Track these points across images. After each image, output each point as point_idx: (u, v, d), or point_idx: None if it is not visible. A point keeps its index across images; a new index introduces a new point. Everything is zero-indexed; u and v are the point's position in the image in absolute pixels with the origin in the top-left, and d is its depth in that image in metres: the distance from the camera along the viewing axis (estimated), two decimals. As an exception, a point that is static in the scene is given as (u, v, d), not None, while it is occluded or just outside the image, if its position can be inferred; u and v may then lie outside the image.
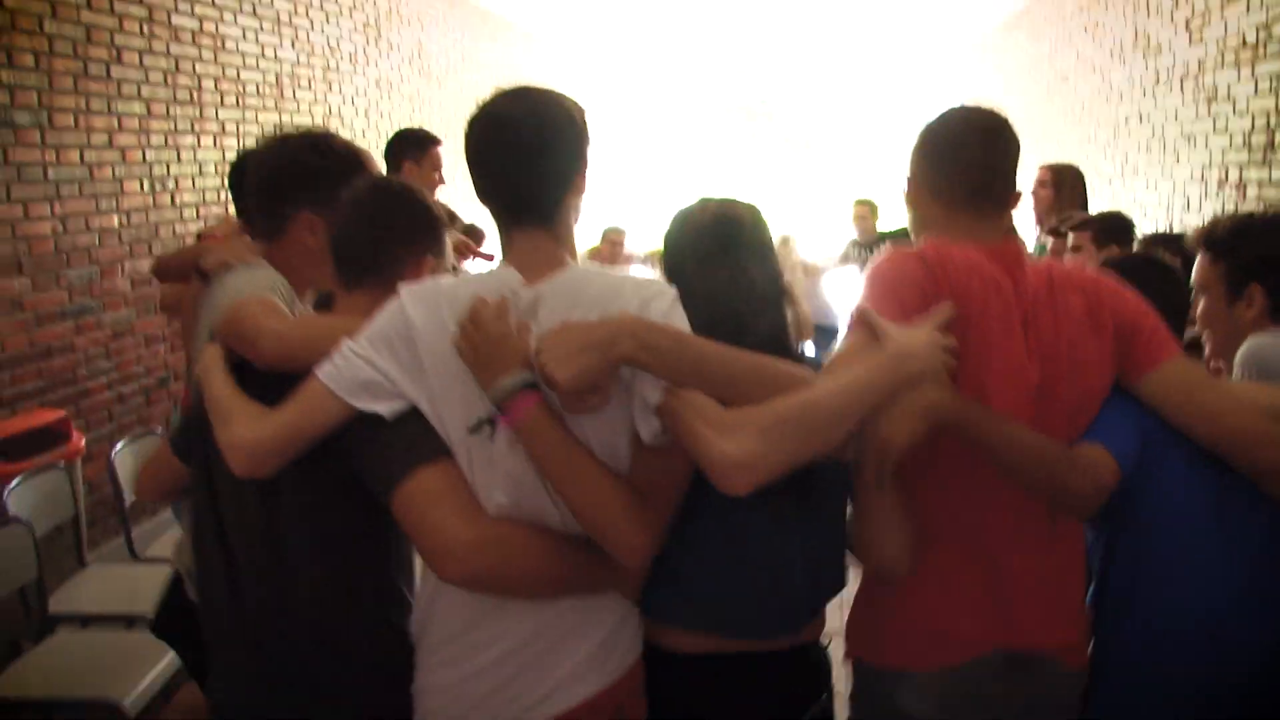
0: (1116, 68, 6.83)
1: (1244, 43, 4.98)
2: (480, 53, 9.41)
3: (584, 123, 1.48)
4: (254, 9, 5.63)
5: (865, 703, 1.70)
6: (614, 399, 1.37)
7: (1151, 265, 2.02)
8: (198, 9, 5.10)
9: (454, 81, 8.65)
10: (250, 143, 5.50)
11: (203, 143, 5.15)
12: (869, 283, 1.55)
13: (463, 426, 1.40)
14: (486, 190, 1.46)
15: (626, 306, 1.38)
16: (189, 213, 5.06)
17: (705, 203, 1.68)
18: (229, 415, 1.48)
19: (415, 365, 1.40)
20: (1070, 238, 3.43)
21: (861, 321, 1.46)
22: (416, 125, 7.48)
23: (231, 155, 5.33)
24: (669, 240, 1.68)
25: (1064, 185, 4.27)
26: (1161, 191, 6.01)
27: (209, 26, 5.21)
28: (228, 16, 5.37)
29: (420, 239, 1.65)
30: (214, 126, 5.26)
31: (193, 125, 5.07)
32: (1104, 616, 1.72)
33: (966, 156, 1.63)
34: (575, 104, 1.48)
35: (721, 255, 1.59)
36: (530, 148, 1.41)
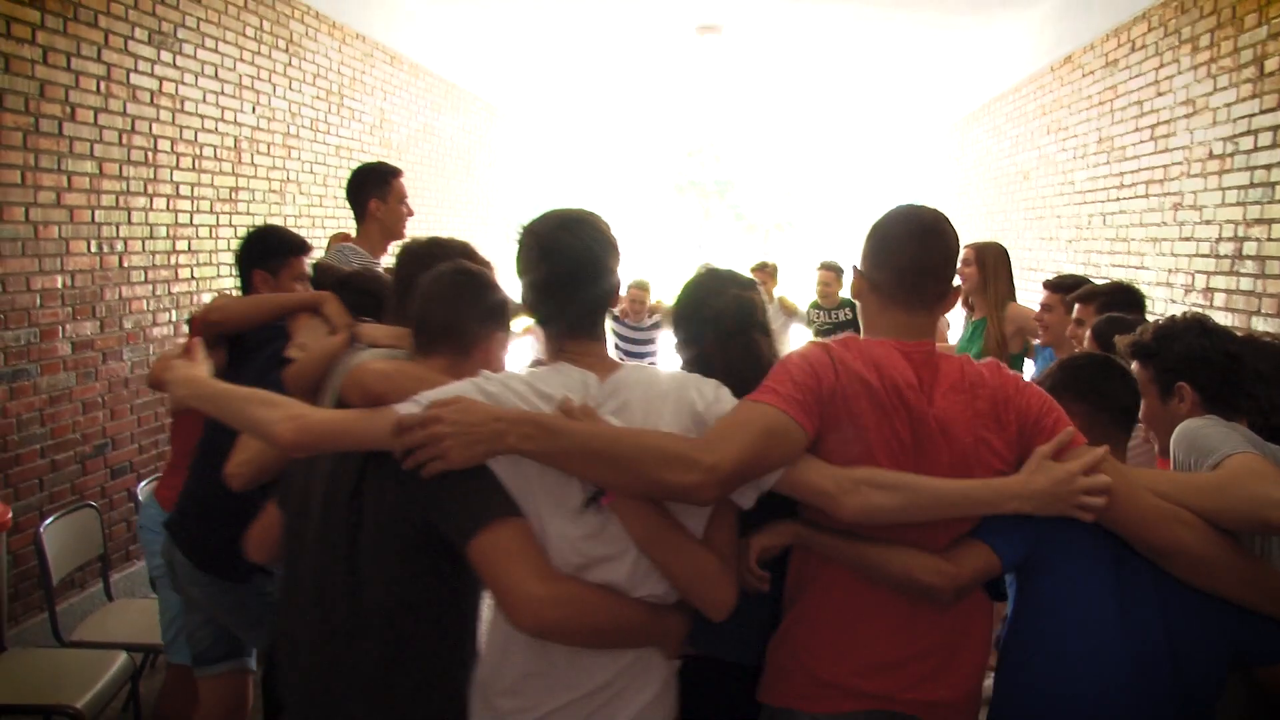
0: (1079, 168, 7.00)
1: (1210, 154, 5.14)
2: (442, 124, 9.44)
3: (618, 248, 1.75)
4: (215, 72, 5.57)
5: None
6: None
7: (1104, 366, 2.13)
8: (158, 69, 5.03)
9: (415, 151, 8.65)
10: (205, 206, 5.45)
11: (155, 205, 5.04)
12: (780, 363, 1.77)
13: (551, 498, 1.61)
14: (546, 311, 1.73)
15: (695, 399, 1.68)
16: (137, 275, 4.92)
17: (725, 284, 2.07)
18: (280, 401, 1.74)
19: None
20: (1075, 309, 3.45)
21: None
22: None
23: (185, 219, 5.29)
24: (688, 312, 2.06)
25: (986, 263, 4.33)
26: None
27: (169, 88, 5.13)
28: (188, 78, 5.30)
29: (496, 319, 1.92)
30: (168, 189, 5.15)
31: (146, 187, 4.95)
32: (1004, 676, 1.88)
33: (901, 257, 1.79)
34: (611, 230, 1.75)
35: (740, 334, 1.99)
36: (587, 277, 1.69)
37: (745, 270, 2.62)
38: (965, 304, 4.46)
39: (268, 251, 2.90)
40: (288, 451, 1.72)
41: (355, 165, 7.19)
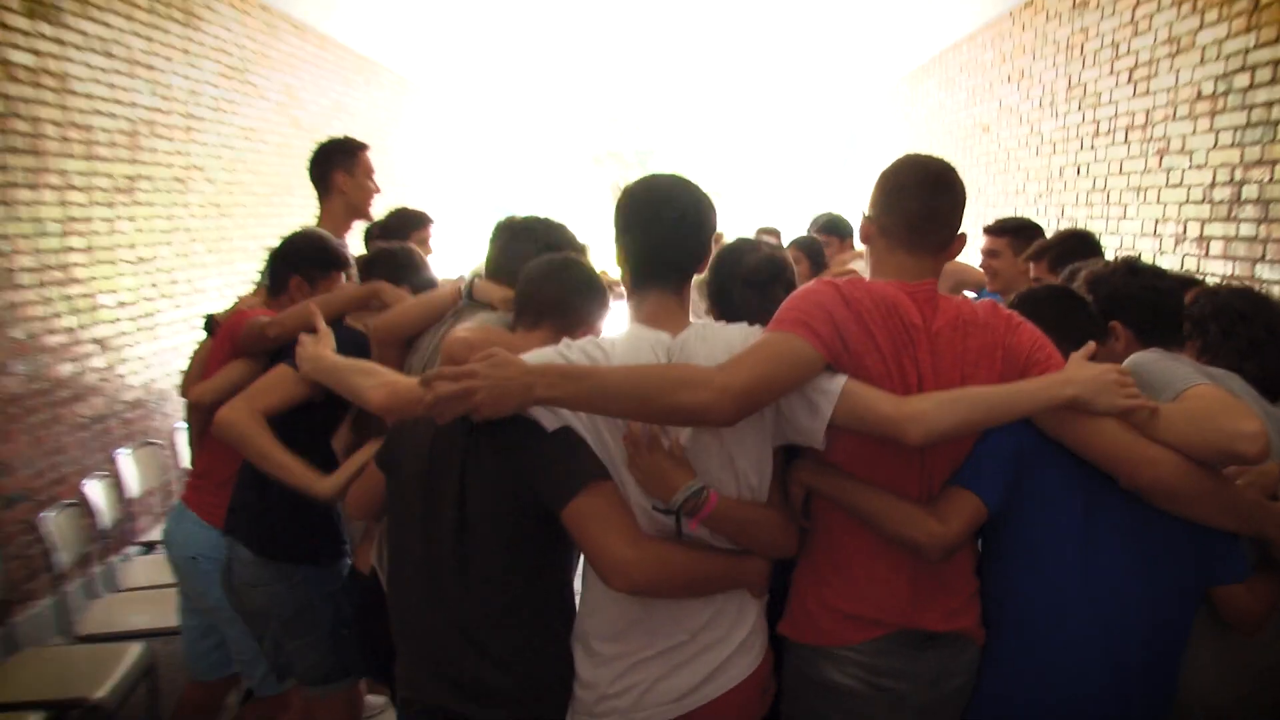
0: (1046, 118, 6.89)
1: (1200, 94, 5.00)
2: (354, 100, 9.15)
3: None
4: (104, 46, 5.08)
5: (792, 673, 2.01)
6: (760, 432, 1.84)
7: (1064, 297, 2.23)
8: (37, 43, 4.53)
9: (327, 130, 8.02)
10: (100, 198, 5.02)
11: (44, 197, 4.57)
12: (790, 298, 1.87)
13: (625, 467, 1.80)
14: (642, 253, 1.89)
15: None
16: (25, 278, 4.44)
17: (755, 242, 2.36)
18: (376, 370, 2.14)
19: None
20: (1030, 269, 3.40)
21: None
22: (285, 177, 7.14)
23: (79, 212, 4.83)
24: (724, 269, 2.30)
25: None
26: (1107, 245, 5.98)
27: (50, 64, 4.63)
28: (73, 53, 4.81)
29: (600, 301, 2.18)
30: (57, 179, 4.67)
31: (31, 178, 4.48)
32: (985, 616, 1.99)
33: (910, 203, 1.90)
34: (705, 194, 1.92)
35: (770, 285, 2.23)
36: (690, 224, 1.87)
37: None
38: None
39: (317, 262, 2.96)
40: (379, 414, 2.04)
41: (264, 148, 7.00)
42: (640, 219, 1.89)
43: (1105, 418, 1.78)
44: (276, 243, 3.05)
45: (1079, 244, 3.37)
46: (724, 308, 2.22)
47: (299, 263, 2.96)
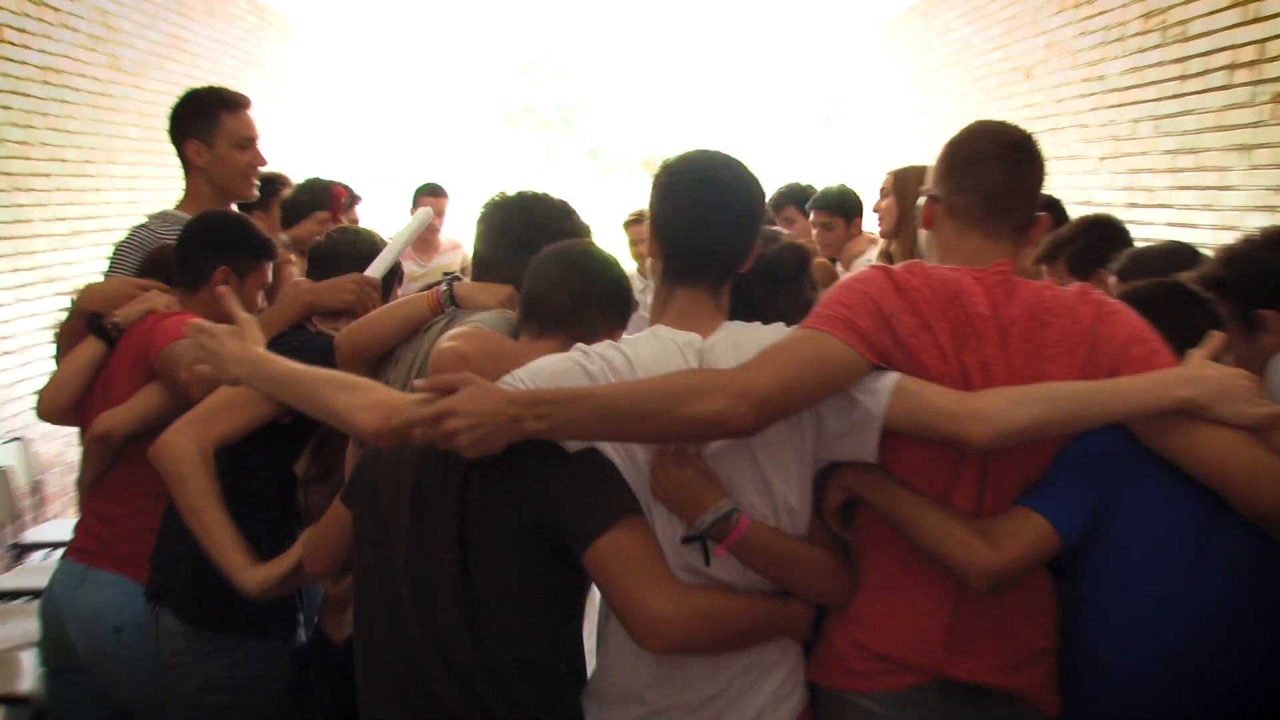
0: (1113, 56, 6.56)
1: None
2: (195, 36, 8.75)
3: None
4: None
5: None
6: (800, 448, 1.92)
7: (1176, 295, 2.17)
8: None
9: (157, 73, 7.95)
10: None
11: None
12: (835, 287, 1.98)
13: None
14: (676, 242, 2.00)
15: None
16: None
17: (775, 234, 2.56)
18: (361, 384, 2.04)
19: None
20: (1044, 273, 3.20)
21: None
22: (104, 139, 7.08)
23: None
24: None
25: (909, 194, 4.14)
26: (1200, 223, 5.63)
27: None
28: None
29: (621, 312, 2.24)
30: None
31: None
32: (1069, 666, 2.00)
33: (986, 176, 1.98)
34: (753, 179, 2.04)
35: (792, 282, 2.44)
36: (735, 212, 1.99)
37: (618, 225, 3.44)
38: (886, 253, 4.40)
39: (248, 247, 2.99)
40: (370, 441, 1.99)
41: (74, 97, 6.71)
42: (675, 202, 1.97)
43: (1224, 428, 1.79)
44: (138, 220, 3.06)
45: (1107, 235, 3.27)
46: (740, 308, 2.14)
47: (225, 249, 2.95)
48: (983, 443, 1.77)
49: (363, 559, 2.02)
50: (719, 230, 1.95)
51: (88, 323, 2.96)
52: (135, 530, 2.83)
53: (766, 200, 1.95)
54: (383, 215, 9.74)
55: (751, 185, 1.99)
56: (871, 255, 4.56)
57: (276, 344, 2.48)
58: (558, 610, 1.92)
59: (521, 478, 1.82)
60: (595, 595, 1.90)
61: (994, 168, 1.95)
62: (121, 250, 3.38)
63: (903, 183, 4.20)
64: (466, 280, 2.58)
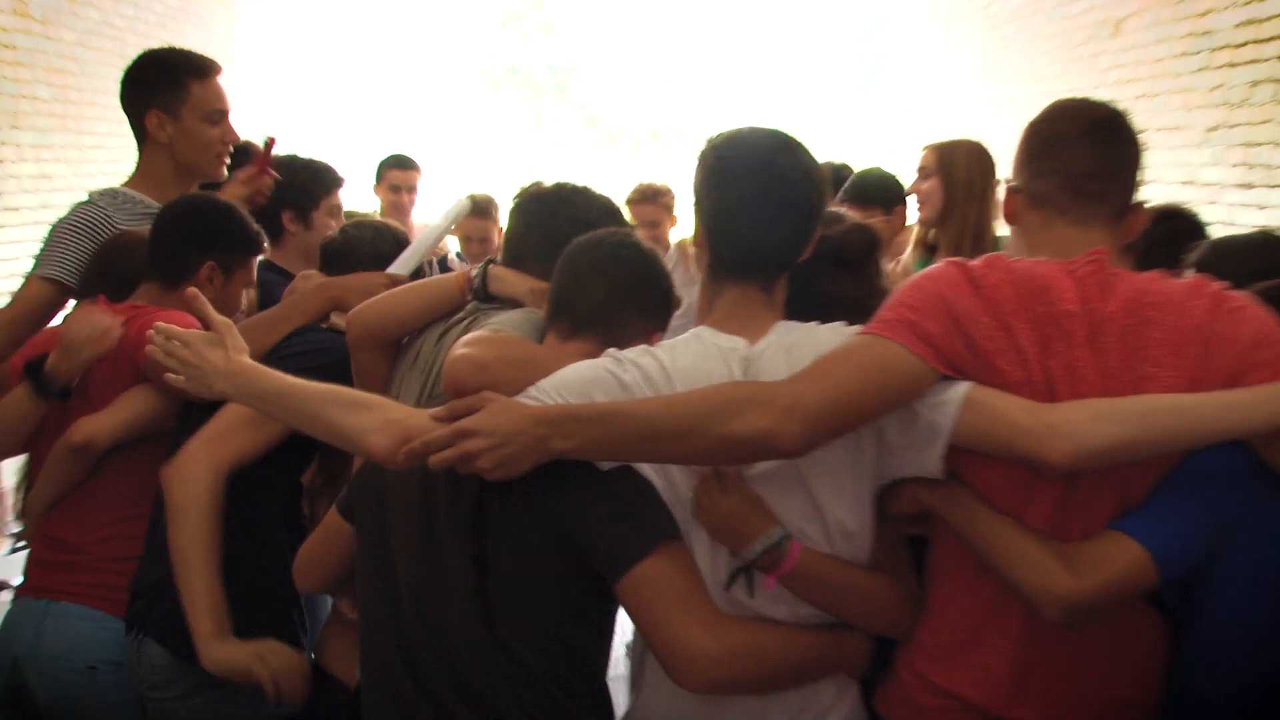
0: (1226, 5, 6.27)
1: None
2: None
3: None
4: None
5: None
6: (856, 467, 1.92)
7: None
8: None
9: (70, 24, 7.82)
10: None
11: None
12: (902, 287, 1.95)
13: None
14: (722, 234, 2.00)
15: None
16: None
17: (839, 214, 2.38)
18: (371, 402, 2.03)
19: None
20: None
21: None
22: (4, 91, 7.04)
23: None
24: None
25: (956, 174, 3.99)
26: None
27: None
28: None
29: (662, 315, 2.24)
30: None
31: None
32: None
33: (1074, 158, 1.97)
34: (816, 163, 2.04)
35: (863, 266, 2.32)
36: (792, 201, 1.97)
37: (620, 200, 3.33)
38: (923, 242, 4.26)
39: (238, 242, 3.03)
40: (384, 464, 1.95)
41: None
42: (724, 190, 1.97)
43: None
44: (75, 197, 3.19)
45: (1179, 228, 3.19)
46: (800, 301, 2.12)
47: (212, 243, 2.98)
48: (1061, 463, 1.75)
49: (366, 579, 2.05)
50: (775, 224, 1.95)
51: (25, 370, 2.91)
52: (108, 560, 2.83)
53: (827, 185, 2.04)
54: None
55: (812, 171, 1.98)
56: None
57: (286, 342, 2.72)
58: (586, 642, 1.94)
59: (548, 495, 1.83)
60: (624, 621, 1.93)
61: (1080, 148, 1.96)
62: (65, 231, 3.26)
63: (948, 159, 4.00)
64: (499, 267, 2.60)
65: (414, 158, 6.45)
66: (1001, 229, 3.49)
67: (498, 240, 6.07)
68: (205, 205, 3.12)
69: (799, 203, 1.95)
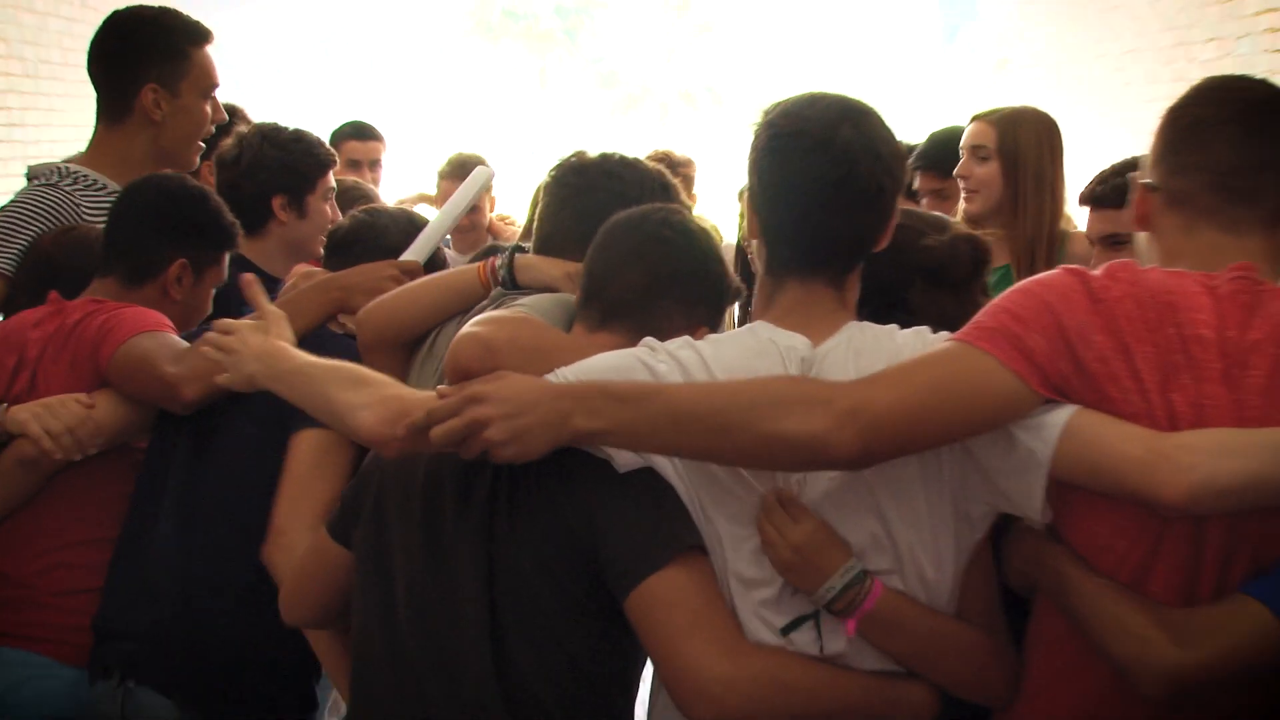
0: None
1: None
2: None
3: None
4: None
5: None
6: (936, 494, 1.76)
7: None
8: None
9: None
10: None
11: None
12: (1009, 291, 1.84)
13: (732, 526, 1.78)
14: (781, 221, 1.86)
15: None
16: None
17: (942, 222, 2.26)
18: (373, 379, 1.96)
19: None
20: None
21: None
22: None
23: None
24: (889, 254, 2.09)
25: (1021, 153, 3.69)
26: None
27: None
28: None
29: (715, 307, 2.11)
30: None
31: None
32: None
33: (1220, 150, 1.82)
34: (893, 136, 1.88)
35: (965, 288, 2.17)
36: (862, 183, 1.79)
37: None
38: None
39: (213, 236, 2.99)
40: (374, 447, 1.92)
41: None
42: (782, 172, 1.83)
43: None
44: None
45: None
46: (880, 305, 2.00)
47: (184, 237, 2.91)
48: (1177, 501, 1.59)
49: (366, 605, 1.97)
50: (843, 211, 1.79)
51: None
52: (55, 595, 2.72)
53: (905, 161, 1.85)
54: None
55: (884, 145, 1.81)
56: None
57: None
58: (609, 665, 1.84)
59: (557, 493, 1.77)
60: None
61: (1228, 137, 1.80)
62: (16, 213, 3.12)
63: (1012, 134, 3.69)
64: (526, 256, 2.48)
65: (375, 126, 5.96)
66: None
67: (490, 212, 5.91)
68: (176, 190, 3.00)
69: (872, 186, 1.78)
